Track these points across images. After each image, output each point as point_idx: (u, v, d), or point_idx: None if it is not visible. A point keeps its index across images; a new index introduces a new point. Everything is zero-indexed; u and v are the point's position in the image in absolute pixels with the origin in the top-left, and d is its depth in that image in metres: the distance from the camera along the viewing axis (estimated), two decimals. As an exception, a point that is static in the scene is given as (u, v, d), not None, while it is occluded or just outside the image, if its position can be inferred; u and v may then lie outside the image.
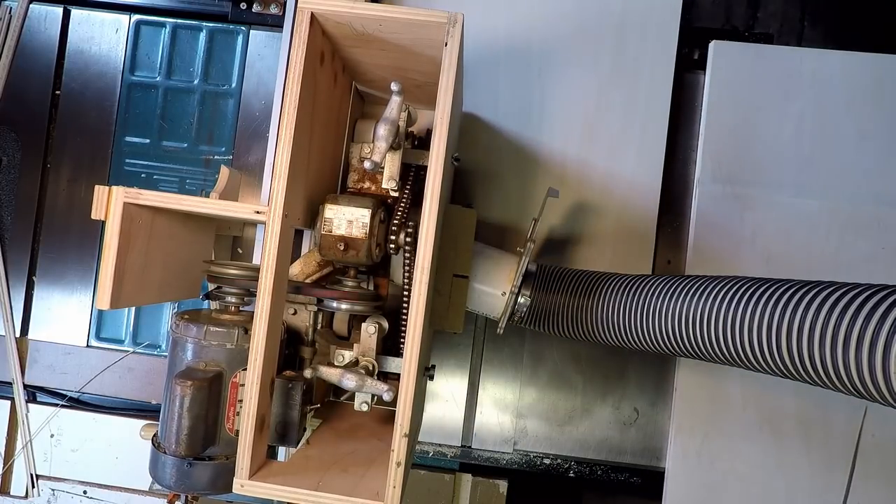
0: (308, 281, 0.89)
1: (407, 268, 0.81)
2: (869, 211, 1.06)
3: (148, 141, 1.18)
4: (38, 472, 1.20)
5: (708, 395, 1.07)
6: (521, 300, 0.91)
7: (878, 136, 1.06)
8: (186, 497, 0.83)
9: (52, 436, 1.19)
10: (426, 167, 0.68)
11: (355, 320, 0.90)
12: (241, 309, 0.83)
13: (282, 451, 1.03)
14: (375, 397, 0.77)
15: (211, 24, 1.17)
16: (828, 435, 1.04)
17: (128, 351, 1.17)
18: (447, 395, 1.15)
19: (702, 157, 1.09)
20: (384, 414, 0.98)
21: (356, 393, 0.78)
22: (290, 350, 0.86)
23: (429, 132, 0.86)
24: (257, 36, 1.17)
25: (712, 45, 1.10)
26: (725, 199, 1.08)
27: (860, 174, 1.06)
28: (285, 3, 1.14)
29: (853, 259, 1.06)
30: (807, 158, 1.07)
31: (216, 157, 1.17)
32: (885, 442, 1.04)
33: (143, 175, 1.18)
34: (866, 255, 1.05)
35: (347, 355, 0.80)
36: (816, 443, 1.04)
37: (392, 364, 0.82)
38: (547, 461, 1.14)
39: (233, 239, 1.15)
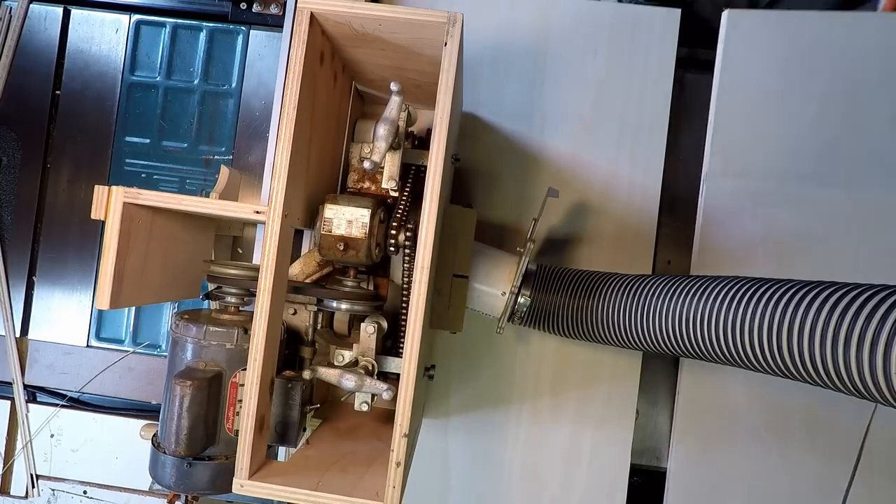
0: (308, 281, 0.89)
1: (407, 268, 0.81)
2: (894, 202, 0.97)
3: (148, 141, 1.18)
4: (38, 472, 1.20)
5: (711, 396, 1.06)
6: (520, 300, 0.91)
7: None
8: (186, 497, 0.83)
9: (52, 436, 1.19)
10: (426, 167, 0.68)
11: (355, 320, 0.90)
12: (241, 309, 0.83)
13: (282, 451, 1.03)
14: (375, 397, 0.77)
15: (211, 24, 1.17)
16: (832, 437, 1.03)
17: (128, 351, 1.17)
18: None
19: (710, 148, 1.03)
20: (384, 414, 0.98)
21: (356, 393, 0.78)
22: (290, 350, 0.86)
23: (429, 132, 0.86)
24: (257, 36, 1.17)
25: (726, 13, 0.99)
26: (736, 194, 1.02)
27: (891, 160, 0.96)
28: (285, 3, 1.14)
29: (876, 254, 0.98)
30: (830, 144, 0.97)
31: (216, 157, 1.17)
32: (890, 443, 1.02)
33: (143, 175, 1.18)
34: (891, 249, 0.98)
35: (347, 355, 0.80)
36: (821, 444, 1.04)
37: (392, 364, 0.82)
38: (547, 461, 1.14)
39: (233, 239, 1.15)
